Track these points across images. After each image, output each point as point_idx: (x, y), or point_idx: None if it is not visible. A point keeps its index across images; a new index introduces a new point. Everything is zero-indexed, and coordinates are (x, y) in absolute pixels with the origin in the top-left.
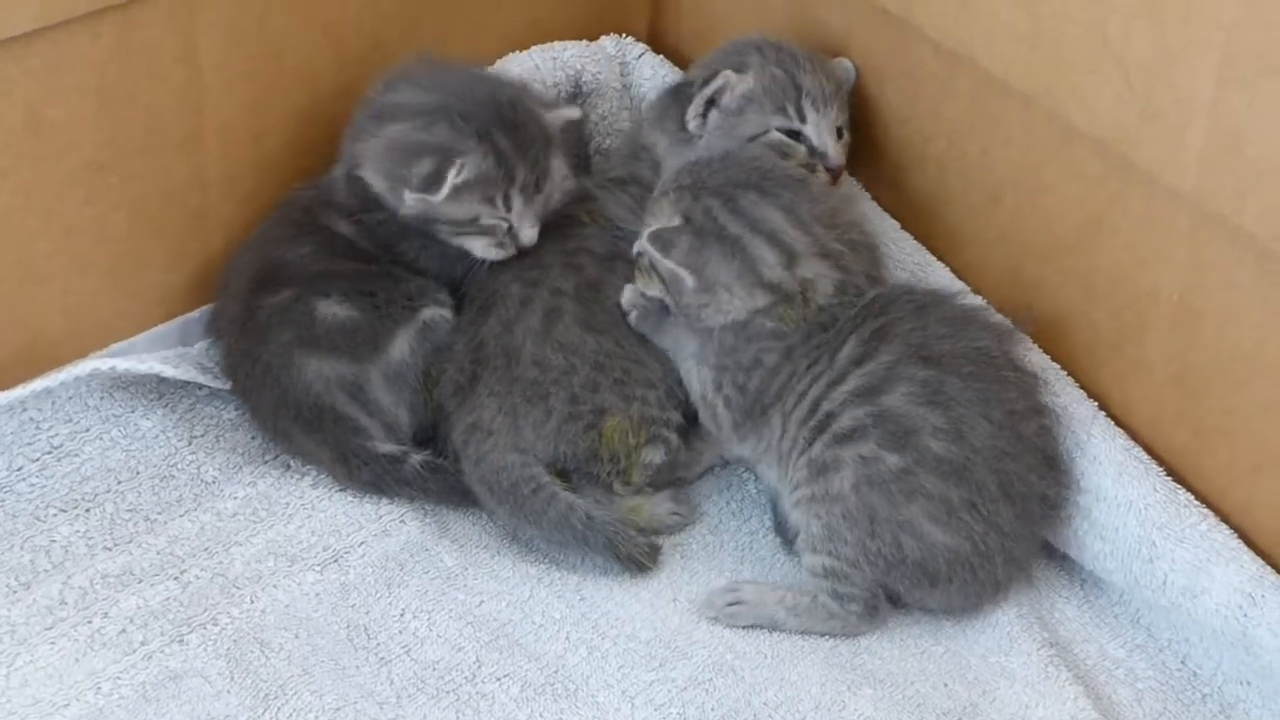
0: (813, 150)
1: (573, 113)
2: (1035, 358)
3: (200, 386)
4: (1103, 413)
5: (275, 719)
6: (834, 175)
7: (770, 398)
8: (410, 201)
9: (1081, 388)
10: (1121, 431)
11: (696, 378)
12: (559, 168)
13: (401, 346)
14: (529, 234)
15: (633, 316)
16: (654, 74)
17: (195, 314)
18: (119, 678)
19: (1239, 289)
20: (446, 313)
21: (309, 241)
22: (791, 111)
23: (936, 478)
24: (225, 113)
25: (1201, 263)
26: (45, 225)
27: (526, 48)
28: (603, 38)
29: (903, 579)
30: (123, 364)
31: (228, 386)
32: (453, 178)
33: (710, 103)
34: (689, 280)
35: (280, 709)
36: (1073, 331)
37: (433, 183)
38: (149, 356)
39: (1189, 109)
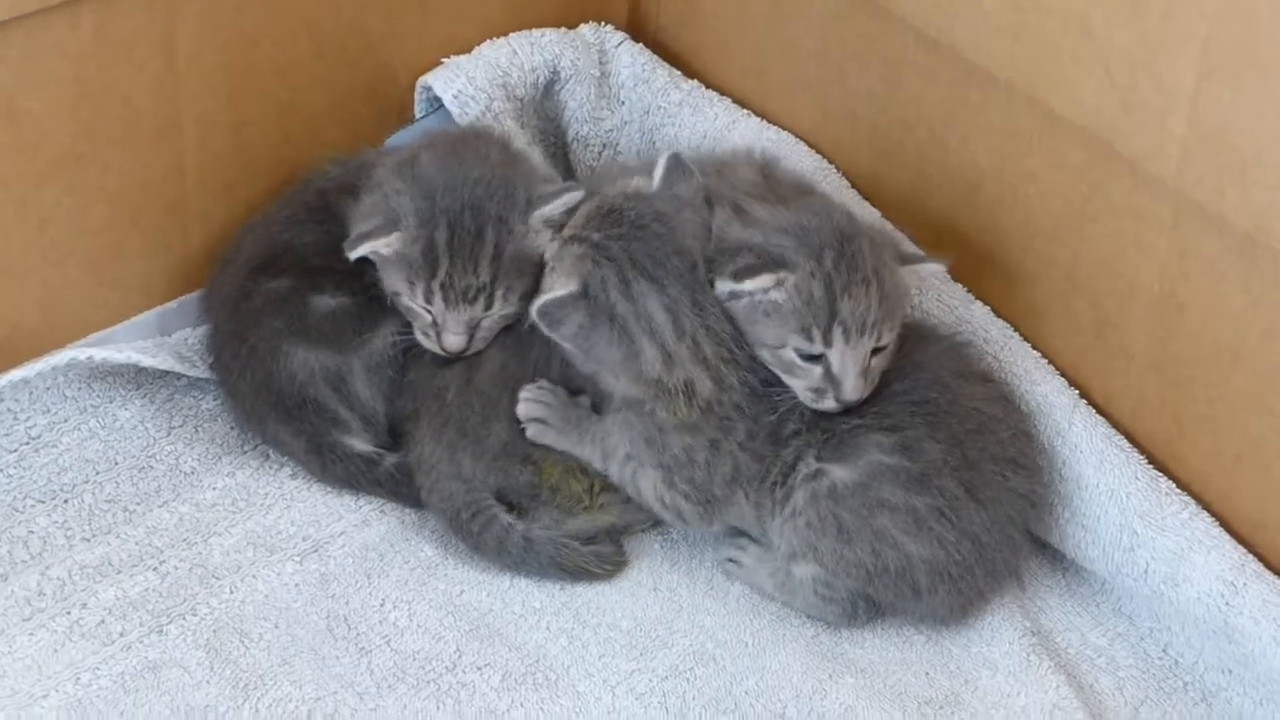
0: (830, 376)
1: (566, 199)
2: (1015, 346)
3: (179, 377)
4: (1084, 401)
5: (255, 709)
6: (845, 407)
7: (725, 479)
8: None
9: (1063, 376)
10: (1103, 420)
11: (644, 481)
12: (509, 290)
13: (385, 337)
14: (450, 339)
15: (531, 430)
16: (633, 62)
17: (174, 304)
18: (98, 668)
19: (1221, 278)
20: None
21: (317, 230)
22: (816, 335)
23: (895, 488)
24: (203, 103)
25: (1183, 252)
26: (22, 216)
27: (506, 34)
28: (581, 25)
29: (886, 590)
30: (100, 353)
31: (206, 374)
32: (373, 242)
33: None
34: (577, 355)
35: (260, 699)
36: (1054, 320)
37: (356, 242)
38: (127, 346)
39: (1171, 98)
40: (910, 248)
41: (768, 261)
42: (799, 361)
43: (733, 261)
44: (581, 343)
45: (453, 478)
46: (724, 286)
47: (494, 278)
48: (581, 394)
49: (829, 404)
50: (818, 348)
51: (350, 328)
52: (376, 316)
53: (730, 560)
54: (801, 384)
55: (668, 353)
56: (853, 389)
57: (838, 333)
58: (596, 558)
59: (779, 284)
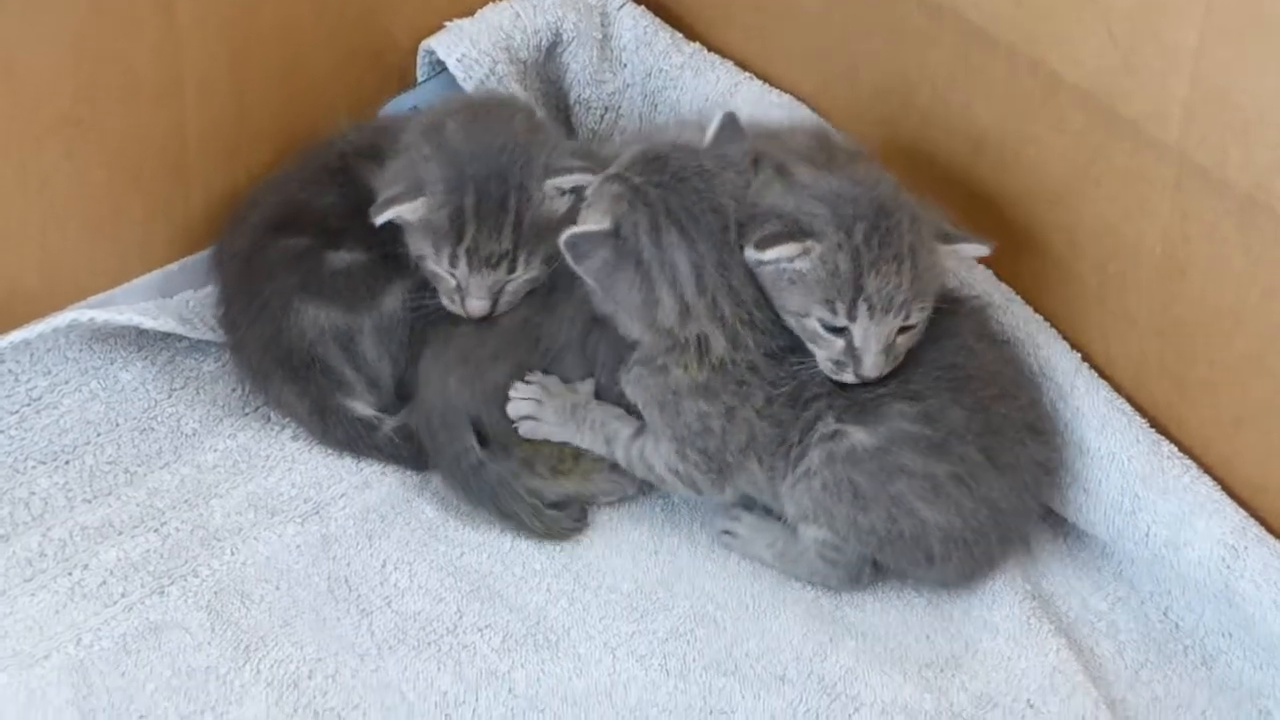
0: (851, 350)
1: (579, 178)
2: (1017, 310)
3: (180, 339)
4: (1086, 365)
5: (256, 670)
6: (864, 381)
7: (740, 446)
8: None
9: (1064, 340)
10: (1105, 384)
11: (654, 455)
12: (531, 254)
13: (395, 298)
14: (474, 304)
15: (524, 428)
16: (635, 25)
17: (175, 266)
18: (99, 629)
19: (1223, 241)
20: None
21: (335, 192)
22: (840, 309)
23: (915, 454)
24: (204, 65)
25: (1185, 214)
26: (21, 178)
27: None
28: None
29: (897, 556)
30: (102, 315)
31: (208, 336)
32: (399, 207)
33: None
34: (596, 291)
35: (261, 660)
36: (1056, 284)
37: (383, 207)
38: (128, 308)
39: (1173, 60)
40: (952, 226)
41: (794, 230)
42: (822, 332)
43: (760, 229)
44: (604, 279)
45: (438, 392)
46: (750, 254)
47: (516, 244)
48: (587, 379)
49: (848, 376)
50: (841, 321)
51: (363, 286)
52: (391, 276)
53: (726, 533)
54: (823, 354)
55: (685, 305)
56: (873, 366)
57: (862, 308)
58: (540, 517)
59: (805, 253)
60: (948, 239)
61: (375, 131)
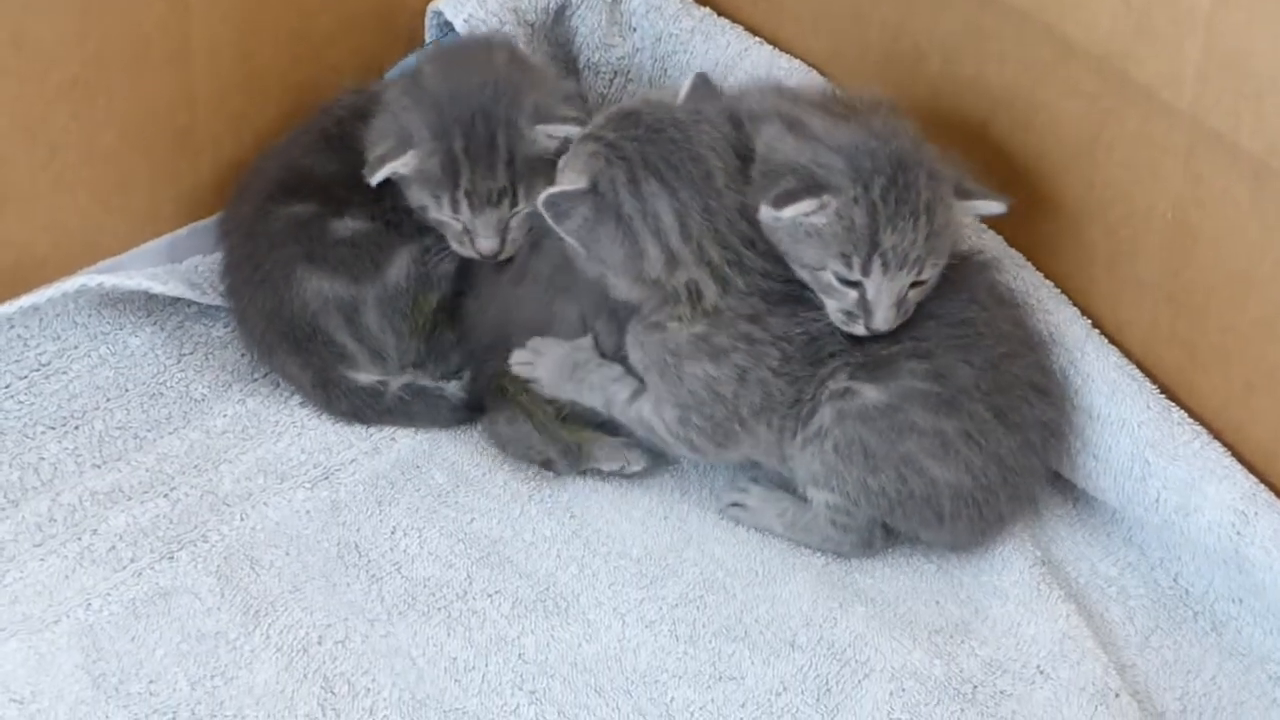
0: (864, 303)
1: (570, 129)
2: (1028, 275)
3: (189, 304)
4: (1096, 331)
5: (266, 635)
6: (874, 334)
7: (754, 409)
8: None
9: (1075, 306)
10: (1115, 350)
11: (655, 419)
12: (530, 187)
13: (399, 268)
14: (484, 244)
15: (524, 372)
16: None
17: (184, 231)
18: (109, 594)
19: (1235, 206)
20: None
21: (336, 159)
22: (856, 263)
23: (925, 411)
24: (213, 29)
25: (1198, 180)
26: (30, 144)
27: None
28: None
29: (908, 517)
30: (111, 280)
31: (217, 301)
32: (391, 164)
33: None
34: (580, 251)
35: (271, 625)
36: (1067, 249)
37: (375, 166)
38: (137, 273)
39: (1187, 24)
40: (970, 182)
41: (811, 185)
42: (836, 284)
43: (775, 185)
44: (585, 237)
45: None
46: (765, 213)
47: (512, 179)
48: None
49: (858, 329)
50: (855, 275)
51: (367, 256)
52: (395, 245)
53: (734, 505)
54: (835, 305)
55: (671, 253)
56: (884, 320)
57: (876, 264)
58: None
59: (822, 208)
60: (965, 194)
61: (370, 97)
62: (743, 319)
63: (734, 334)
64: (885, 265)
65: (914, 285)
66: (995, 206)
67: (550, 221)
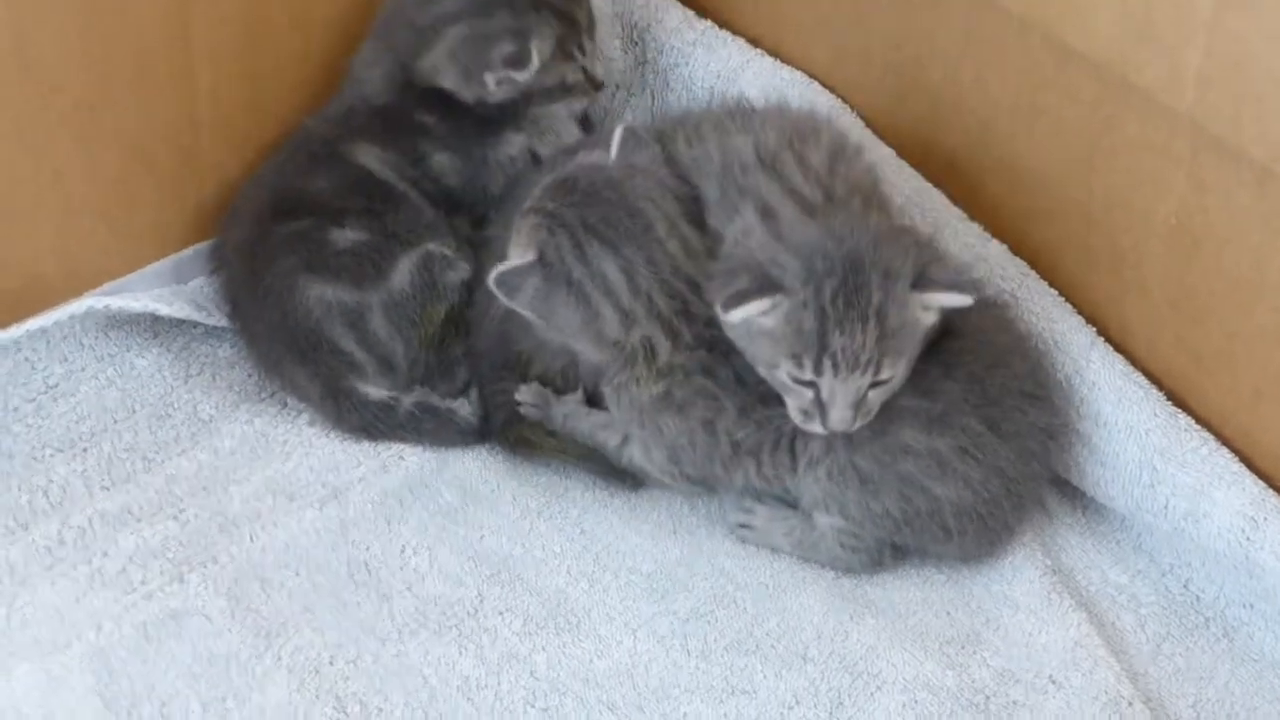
0: (819, 403)
1: None
2: (1031, 283)
3: (195, 324)
4: (1101, 338)
5: (277, 656)
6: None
7: (726, 457)
8: (494, 85)
9: (1080, 313)
10: (1120, 357)
11: (646, 463)
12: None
13: (403, 274)
14: (601, 70)
15: (531, 414)
16: (647, 3)
17: (189, 252)
18: (119, 617)
19: (1238, 211)
20: (448, 251)
21: (326, 175)
22: (808, 364)
23: (916, 431)
24: (215, 51)
25: (1200, 185)
26: (35, 167)
27: None
28: None
29: (916, 535)
30: (117, 302)
31: (223, 322)
32: (536, 54)
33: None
34: (538, 324)
35: (282, 646)
36: (1070, 257)
37: (515, 62)
38: (143, 295)
39: (1188, 29)
40: (938, 270)
41: (763, 286)
42: (790, 384)
43: (727, 285)
44: (540, 308)
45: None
46: (719, 313)
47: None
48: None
49: (815, 428)
50: (808, 375)
51: (370, 263)
52: (397, 253)
53: (741, 526)
54: (793, 403)
55: (624, 311)
56: (839, 420)
57: (827, 365)
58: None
59: (773, 308)
60: (925, 286)
61: (346, 115)
62: (696, 374)
63: (691, 389)
64: (836, 367)
65: (875, 385)
66: (958, 299)
67: (504, 299)
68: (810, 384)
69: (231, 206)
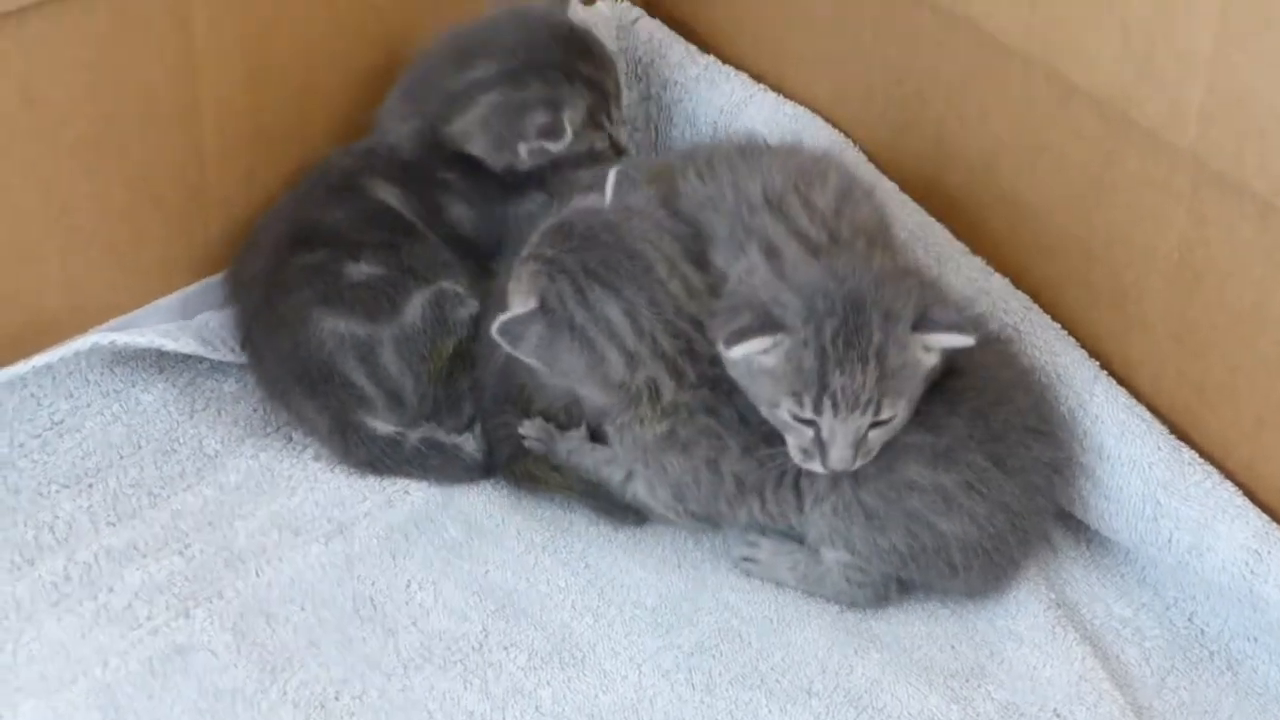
0: (819, 442)
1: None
2: (1035, 317)
3: (201, 360)
4: (1104, 372)
5: (283, 691)
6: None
7: (730, 495)
8: (526, 154)
9: (1083, 347)
10: (1124, 390)
11: (651, 500)
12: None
13: (415, 310)
14: (625, 137)
15: (536, 448)
16: (650, 37)
17: (195, 287)
18: (126, 653)
19: (1240, 245)
20: (460, 289)
21: (344, 208)
22: (808, 402)
23: (921, 466)
24: (222, 86)
25: (1202, 220)
26: (42, 202)
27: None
28: (598, 1)
29: (922, 570)
30: (123, 338)
31: (228, 357)
32: (569, 125)
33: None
34: (543, 370)
35: (288, 681)
36: (1072, 291)
37: (550, 133)
38: (149, 330)
39: (1189, 65)
40: (940, 311)
41: (764, 323)
42: (791, 421)
43: (729, 322)
44: (544, 355)
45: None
46: (720, 350)
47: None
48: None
49: (815, 467)
50: (808, 413)
51: (384, 297)
52: (411, 289)
53: (746, 559)
54: (793, 442)
55: (629, 353)
56: (839, 459)
57: (827, 404)
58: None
59: (774, 346)
60: (925, 327)
61: (370, 151)
62: (699, 412)
63: (695, 428)
64: (835, 407)
65: (876, 425)
66: (960, 340)
67: (507, 348)
68: (810, 423)
69: (249, 236)
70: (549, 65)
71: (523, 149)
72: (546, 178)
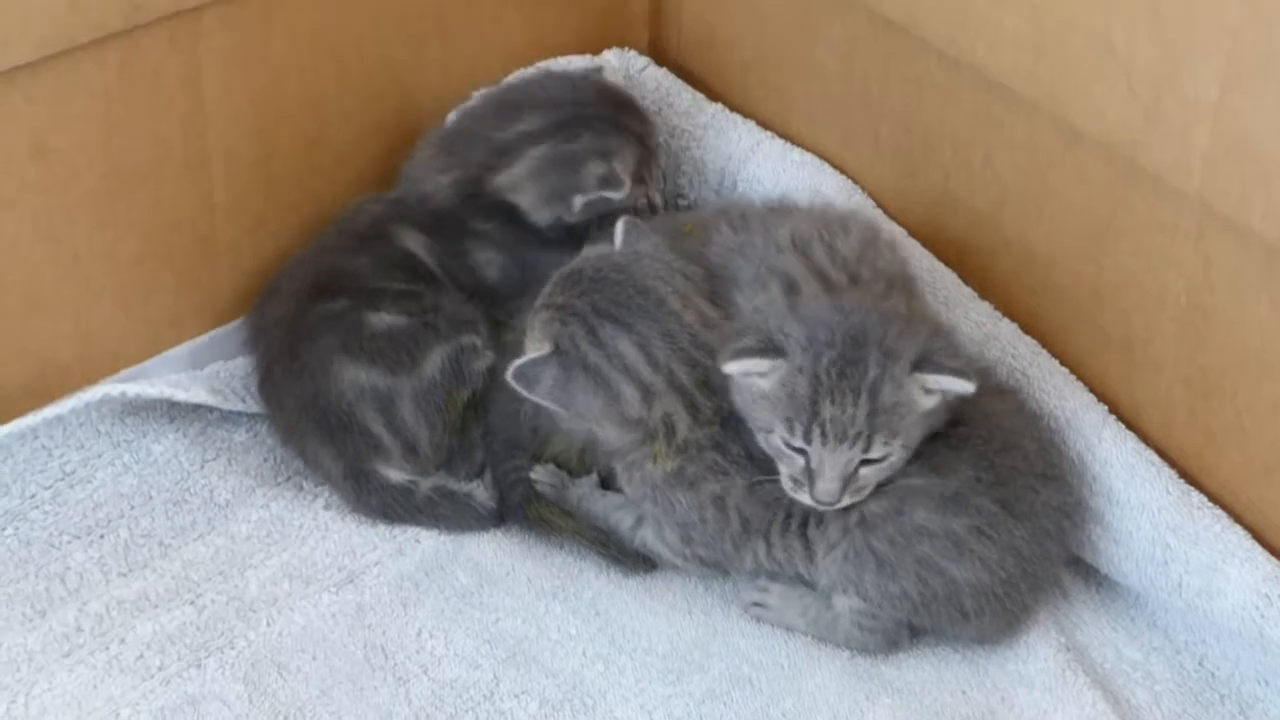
0: (809, 472)
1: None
2: (1043, 362)
3: (211, 410)
4: (1113, 416)
5: None
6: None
7: (736, 534)
8: (580, 206)
9: (1091, 391)
10: (1132, 434)
11: (659, 545)
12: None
13: (435, 364)
14: (660, 197)
15: (548, 493)
16: (657, 87)
17: (205, 338)
18: (137, 704)
19: (1247, 289)
20: (480, 343)
21: (368, 254)
22: (799, 430)
23: (930, 512)
24: (230, 137)
25: (1209, 264)
26: (53, 253)
27: (530, 63)
28: (605, 52)
29: (934, 617)
30: (134, 389)
31: (239, 407)
32: (621, 172)
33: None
34: (560, 412)
35: None
36: (1081, 335)
37: (608, 183)
38: (160, 380)
39: (1194, 111)
40: (943, 356)
41: (766, 347)
42: (784, 449)
43: (736, 340)
44: (560, 397)
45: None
46: (720, 363)
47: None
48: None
49: (804, 497)
50: (799, 441)
51: (404, 349)
52: (431, 341)
53: (756, 604)
54: (785, 470)
55: (645, 386)
56: (825, 491)
57: (816, 433)
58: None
59: (772, 370)
60: (925, 368)
61: (402, 200)
62: (708, 449)
63: (703, 464)
64: (824, 437)
65: (867, 462)
66: (959, 384)
67: (523, 392)
68: (801, 451)
69: (273, 282)
70: (597, 118)
71: (578, 201)
72: (582, 235)
